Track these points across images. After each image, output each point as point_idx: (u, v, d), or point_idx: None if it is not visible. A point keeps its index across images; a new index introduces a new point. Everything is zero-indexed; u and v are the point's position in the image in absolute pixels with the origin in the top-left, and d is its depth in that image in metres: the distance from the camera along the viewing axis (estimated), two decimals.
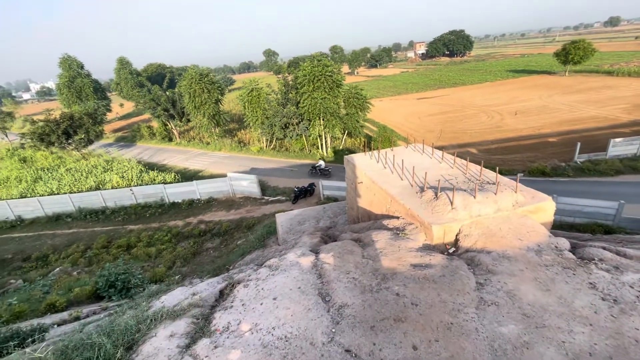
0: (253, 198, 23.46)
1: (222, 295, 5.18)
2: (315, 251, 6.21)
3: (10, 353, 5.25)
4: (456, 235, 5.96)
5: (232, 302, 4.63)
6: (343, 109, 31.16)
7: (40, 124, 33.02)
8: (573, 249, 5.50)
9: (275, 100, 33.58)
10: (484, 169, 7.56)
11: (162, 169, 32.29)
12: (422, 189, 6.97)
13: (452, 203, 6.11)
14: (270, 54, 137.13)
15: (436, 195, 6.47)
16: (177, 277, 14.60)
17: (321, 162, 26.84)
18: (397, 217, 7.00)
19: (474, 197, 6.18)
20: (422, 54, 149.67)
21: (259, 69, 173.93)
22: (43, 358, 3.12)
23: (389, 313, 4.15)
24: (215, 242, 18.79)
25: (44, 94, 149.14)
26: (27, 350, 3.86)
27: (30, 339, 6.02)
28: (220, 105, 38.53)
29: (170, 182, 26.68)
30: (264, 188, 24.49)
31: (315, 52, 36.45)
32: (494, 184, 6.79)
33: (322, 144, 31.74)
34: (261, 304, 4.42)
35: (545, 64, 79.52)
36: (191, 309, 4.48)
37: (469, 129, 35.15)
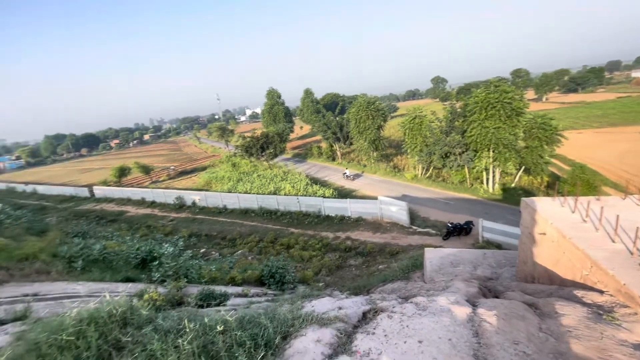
0: (400, 225, 22.97)
1: (365, 317, 5.18)
2: (472, 303, 5.35)
3: (208, 307, 7.03)
4: None
5: (374, 329, 4.55)
6: (522, 141, 26.54)
7: (247, 139, 43.97)
8: None
9: (439, 127, 32.20)
10: None
11: (323, 184, 36.44)
12: None
13: None
14: (438, 81, 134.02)
15: None
16: (321, 284, 15.89)
17: (347, 171, 38.44)
18: (600, 291, 5.17)
19: None
20: None
21: (425, 97, 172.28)
22: (230, 321, 3.97)
23: None
24: (357, 261, 19.40)
25: (253, 117, 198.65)
26: (221, 310, 5.02)
27: (219, 301, 7.87)
28: (382, 131, 40.30)
29: (328, 197, 29.69)
30: (413, 217, 23.61)
31: (492, 78, 32.90)
32: None
33: (487, 178, 27.95)
34: (405, 342, 4.14)
35: None
36: (336, 322, 4.68)
37: None
